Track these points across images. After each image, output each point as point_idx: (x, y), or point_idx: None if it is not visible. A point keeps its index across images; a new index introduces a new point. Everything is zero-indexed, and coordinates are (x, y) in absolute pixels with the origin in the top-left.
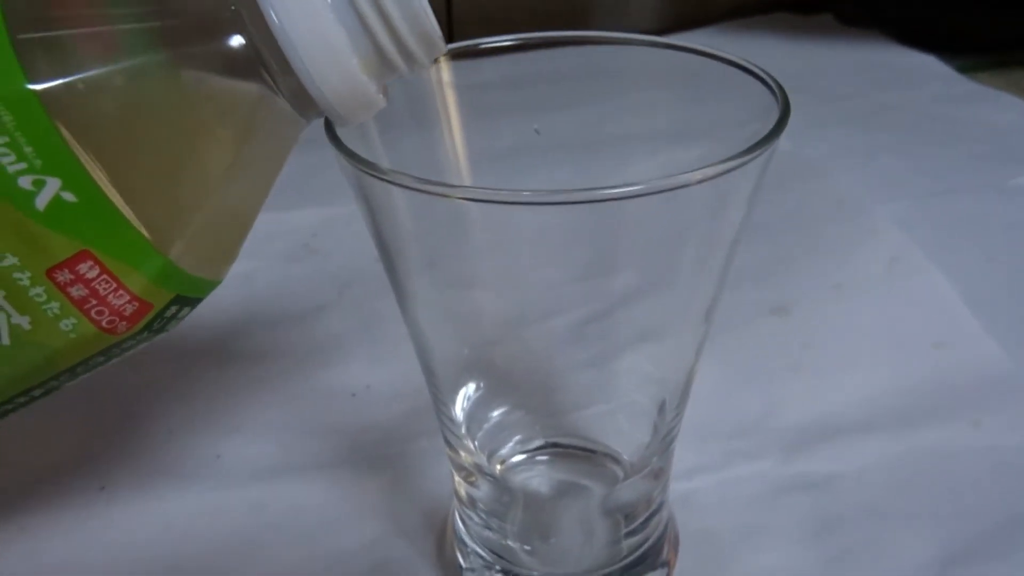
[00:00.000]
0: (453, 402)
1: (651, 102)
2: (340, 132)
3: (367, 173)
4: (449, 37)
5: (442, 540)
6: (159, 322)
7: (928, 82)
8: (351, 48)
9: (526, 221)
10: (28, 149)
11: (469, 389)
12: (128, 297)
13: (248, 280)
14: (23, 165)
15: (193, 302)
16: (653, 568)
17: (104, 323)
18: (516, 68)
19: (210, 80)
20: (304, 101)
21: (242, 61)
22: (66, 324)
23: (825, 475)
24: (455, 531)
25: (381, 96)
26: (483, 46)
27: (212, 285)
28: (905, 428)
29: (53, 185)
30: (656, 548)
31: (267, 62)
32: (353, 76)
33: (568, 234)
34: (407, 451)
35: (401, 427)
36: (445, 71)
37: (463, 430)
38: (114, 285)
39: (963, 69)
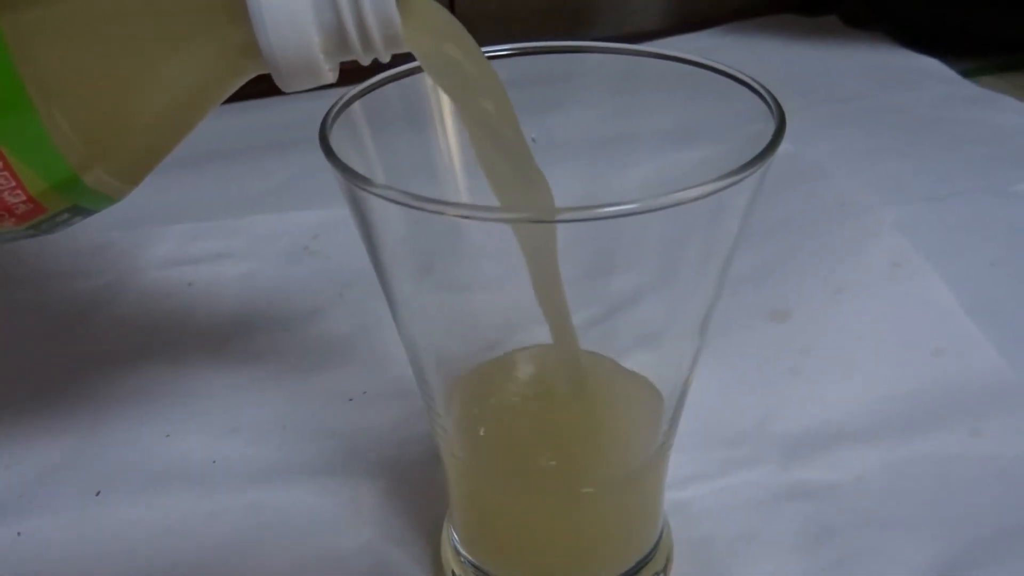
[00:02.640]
0: (446, 410)
1: (651, 103)
2: (335, 143)
3: (362, 188)
4: None
5: (436, 547)
6: (48, 224)
7: (932, 85)
8: (315, 23)
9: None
10: None
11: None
12: (24, 198)
13: (247, 281)
14: None
15: (87, 213)
16: None
17: None
18: (513, 70)
19: (160, 7)
20: (251, 54)
21: (200, 3)
22: None
23: (823, 483)
24: (450, 538)
25: (331, 73)
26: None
27: (111, 202)
28: (903, 436)
29: None
30: (651, 557)
31: (224, 5)
32: (310, 49)
33: (563, 246)
34: (403, 456)
35: (397, 432)
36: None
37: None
38: (13, 184)
39: (967, 72)
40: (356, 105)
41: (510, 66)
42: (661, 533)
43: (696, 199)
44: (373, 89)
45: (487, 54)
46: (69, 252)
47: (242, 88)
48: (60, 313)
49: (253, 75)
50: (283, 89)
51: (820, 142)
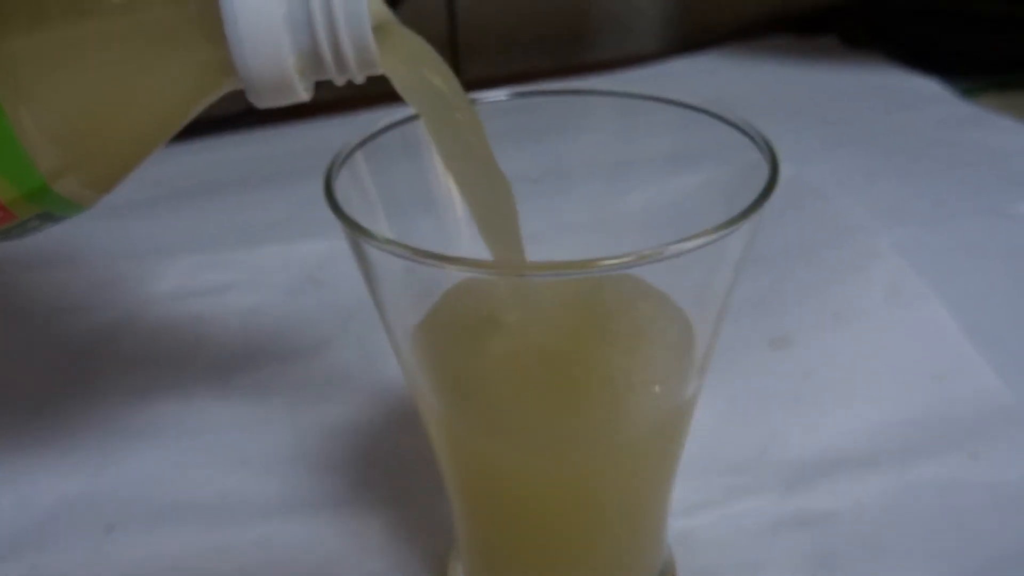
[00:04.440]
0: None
1: (652, 130)
2: (338, 193)
3: (365, 241)
4: (455, 62)
5: None
6: (18, 230)
7: (930, 105)
8: (290, 44)
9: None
10: None
11: None
12: None
13: (253, 313)
14: None
15: (57, 219)
16: None
17: None
18: (514, 117)
19: (135, 17)
20: (226, 71)
21: (177, 20)
22: None
23: (824, 511)
24: (456, 572)
25: (305, 92)
26: (481, 102)
27: (80, 210)
28: (904, 461)
29: None
30: None
31: (201, 23)
32: (285, 69)
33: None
34: (410, 489)
35: (404, 464)
36: None
37: None
38: None
39: (965, 92)
40: (358, 153)
41: (515, 102)
42: (665, 561)
43: (690, 251)
44: (373, 138)
45: (491, 99)
46: (77, 286)
47: (248, 118)
48: (68, 348)
49: (227, 91)
50: (256, 106)
51: (819, 164)
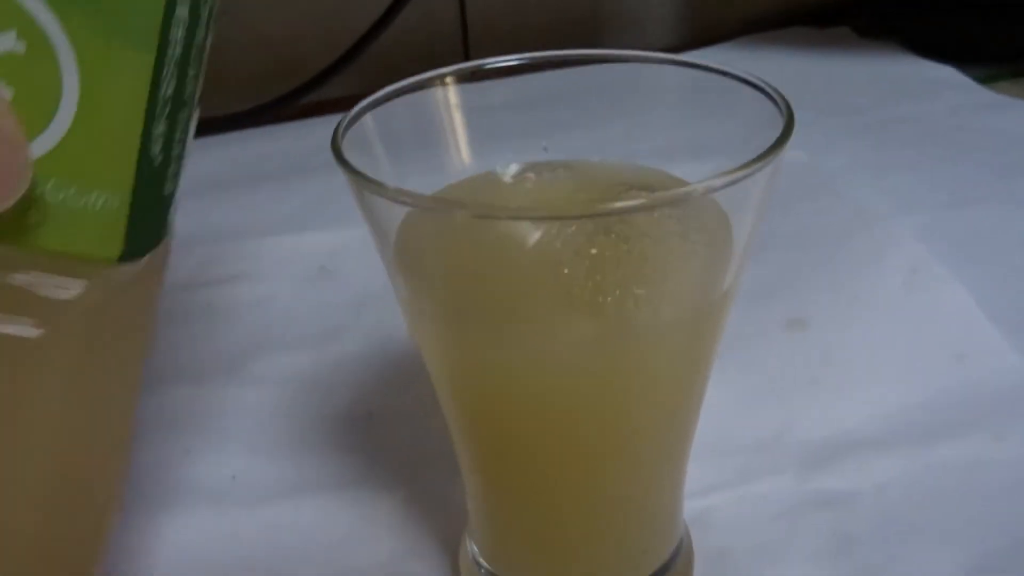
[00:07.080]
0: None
1: (661, 118)
2: (347, 154)
3: (374, 193)
4: (465, 54)
5: (456, 561)
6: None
7: (946, 93)
8: None
9: (531, 238)
10: None
11: None
12: None
13: (265, 302)
14: None
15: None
16: None
17: None
18: (525, 88)
19: None
20: None
21: None
22: None
23: (843, 491)
24: (469, 552)
25: None
26: (489, 67)
27: None
28: (925, 443)
29: None
30: (671, 567)
31: None
32: None
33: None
34: (422, 472)
35: (416, 447)
36: (453, 93)
37: None
38: None
39: (981, 79)
40: (367, 116)
41: (515, 84)
42: (681, 541)
43: (705, 193)
44: (382, 102)
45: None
46: None
47: (260, 115)
48: None
49: None
50: None
51: (835, 153)
